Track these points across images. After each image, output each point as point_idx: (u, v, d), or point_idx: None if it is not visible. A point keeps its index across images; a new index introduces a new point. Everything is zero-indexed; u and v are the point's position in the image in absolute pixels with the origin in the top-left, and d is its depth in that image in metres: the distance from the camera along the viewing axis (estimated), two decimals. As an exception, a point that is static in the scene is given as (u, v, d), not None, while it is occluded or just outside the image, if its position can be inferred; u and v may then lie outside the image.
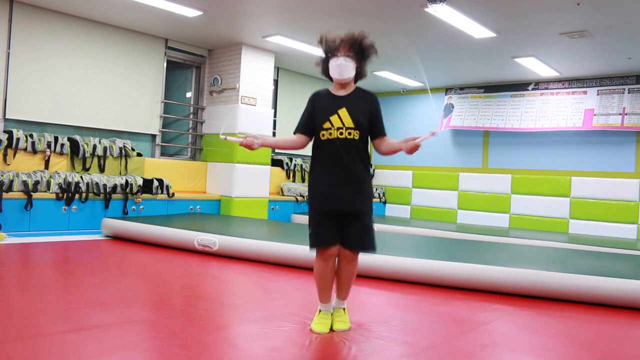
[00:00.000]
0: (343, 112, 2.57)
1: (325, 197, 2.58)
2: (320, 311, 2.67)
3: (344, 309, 2.73)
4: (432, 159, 9.40)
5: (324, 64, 2.67)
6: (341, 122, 2.56)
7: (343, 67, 2.56)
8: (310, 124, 2.66)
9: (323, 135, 2.59)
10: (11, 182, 5.35)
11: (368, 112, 2.61)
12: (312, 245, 2.60)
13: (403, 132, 9.31)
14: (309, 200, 2.69)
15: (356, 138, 2.56)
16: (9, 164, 5.68)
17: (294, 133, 2.72)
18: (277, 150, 8.67)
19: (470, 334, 2.71)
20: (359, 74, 2.66)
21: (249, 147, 2.68)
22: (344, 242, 2.58)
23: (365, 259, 3.88)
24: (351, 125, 2.55)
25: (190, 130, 7.92)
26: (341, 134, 2.55)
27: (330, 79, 2.68)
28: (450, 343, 2.55)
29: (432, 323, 2.94)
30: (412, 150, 2.51)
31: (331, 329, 2.62)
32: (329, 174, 2.58)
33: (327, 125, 2.57)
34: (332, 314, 2.68)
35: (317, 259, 2.61)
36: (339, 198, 2.55)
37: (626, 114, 7.57)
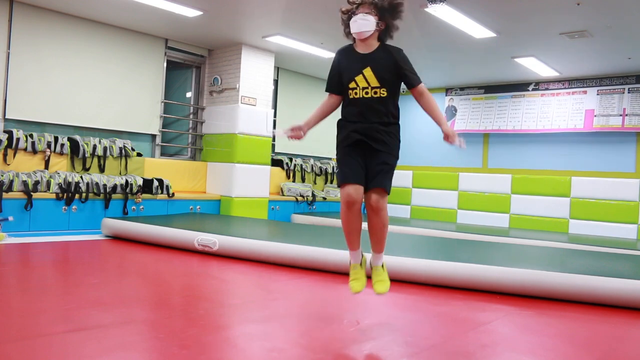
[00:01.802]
0: (367, 71, 2.60)
1: (354, 132, 2.61)
2: (351, 265, 2.71)
3: (382, 265, 2.75)
4: (432, 159, 9.40)
5: (347, 26, 2.68)
6: (366, 82, 2.59)
7: (360, 23, 2.58)
8: (339, 83, 2.69)
9: (350, 93, 2.63)
10: (11, 182, 5.35)
11: (393, 68, 2.62)
12: (338, 184, 2.65)
13: (404, 132, 9.33)
14: (337, 142, 2.70)
15: (383, 95, 2.59)
16: (9, 164, 5.68)
17: (326, 91, 2.76)
18: (277, 150, 8.68)
19: (470, 334, 2.71)
20: (385, 32, 2.66)
21: (298, 137, 2.72)
22: (368, 182, 2.59)
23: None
24: (376, 84, 2.59)
25: (190, 130, 7.92)
26: (367, 93, 2.59)
27: (354, 40, 2.70)
28: (450, 343, 2.55)
29: (432, 323, 2.94)
30: (448, 139, 2.58)
31: (375, 293, 2.67)
32: (357, 122, 2.62)
33: (352, 85, 2.62)
34: (371, 271, 2.73)
35: (342, 206, 2.62)
36: (363, 131, 2.59)
37: (627, 115, 7.57)
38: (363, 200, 2.63)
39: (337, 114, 2.83)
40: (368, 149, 2.60)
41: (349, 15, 2.66)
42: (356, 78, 2.60)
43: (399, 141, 2.70)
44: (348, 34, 2.70)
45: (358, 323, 2.77)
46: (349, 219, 2.63)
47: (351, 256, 2.74)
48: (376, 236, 2.70)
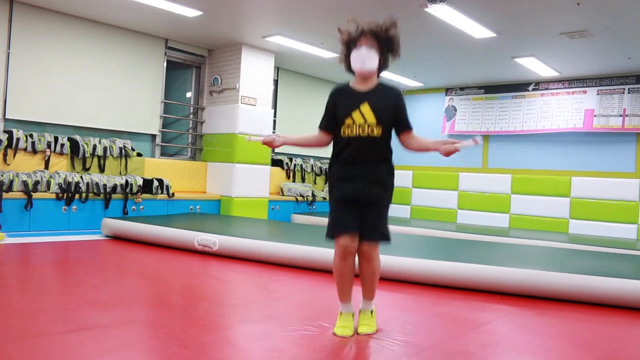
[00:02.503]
0: (365, 107, 2.49)
1: (345, 186, 2.52)
2: (341, 314, 2.61)
3: (371, 311, 2.66)
4: (432, 159, 9.39)
5: (346, 58, 2.57)
6: (363, 119, 2.48)
7: (365, 58, 2.47)
8: (333, 121, 2.59)
9: (344, 132, 2.52)
10: (11, 182, 5.35)
11: (392, 107, 2.53)
12: (329, 234, 2.55)
13: (403, 132, 9.33)
14: (329, 193, 2.63)
15: (378, 135, 2.49)
16: (9, 164, 5.67)
17: (319, 128, 2.66)
18: (277, 150, 8.67)
19: (470, 334, 2.71)
20: (382, 66, 2.57)
21: (270, 144, 2.65)
22: (362, 233, 2.52)
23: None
24: (373, 121, 2.48)
25: (190, 130, 7.92)
26: (363, 130, 2.48)
27: (353, 73, 2.60)
28: (450, 343, 2.55)
29: (432, 323, 2.94)
30: (450, 153, 2.48)
31: (356, 332, 2.58)
32: (350, 168, 2.53)
33: (348, 121, 2.50)
34: (356, 316, 2.64)
35: (336, 257, 2.55)
36: (358, 187, 2.50)
37: (627, 116, 7.57)
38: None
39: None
40: (363, 197, 2.51)
41: (348, 46, 2.55)
42: (353, 114, 2.48)
43: (393, 185, 2.62)
44: (347, 65, 2.59)
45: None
46: (344, 271, 2.56)
47: (342, 307, 2.61)
48: (367, 283, 2.63)
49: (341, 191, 2.54)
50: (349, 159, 2.53)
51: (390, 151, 2.58)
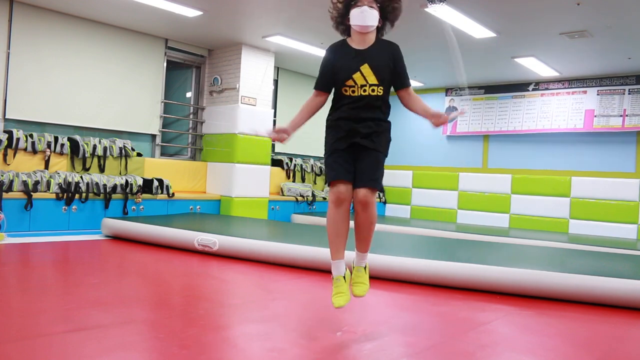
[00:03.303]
0: (365, 68, 2.49)
1: (343, 137, 2.52)
2: (334, 280, 2.55)
3: (365, 267, 2.63)
4: (432, 159, 9.40)
5: (342, 17, 2.55)
6: (364, 80, 2.49)
7: (367, 14, 2.46)
8: (331, 81, 2.58)
9: (345, 90, 2.52)
10: (11, 182, 5.35)
11: (391, 65, 2.53)
12: (327, 181, 2.56)
13: (404, 132, 9.36)
14: (326, 141, 2.61)
15: (380, 94, 2.51)
16: (9, 164, 5.68)
17: (315, 89, 2.63)
18: (277, 150, 8.68)
19: (470, 334, 2.71)
20: (380, 29, 2.58)
21: (282, 140, 2.61)
22: (357, 180, 2.50)
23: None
24: (375, 82, 2.49)
25: (190, 130, 7.92)
26: (364, 91, 2.49)
27: (347, 34, 2.59)
28: (450, 343, 2.55)
29: (432, 323, 2.94)
30: (440, 124, 2.51)
31: (352, 295, 2.57)
32: (349, 122, 2.52)
33: (350, 82, 2.50)
34: (350, 276, 2.60)
35: (330, 204, 2.53)
36: (356, 137, 2.50)
37: (627, 115, 7.57)
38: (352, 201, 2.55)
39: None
40: (358, 148, 2.52)
41: (346, 4, 2.52)
42: (354, 76, 2.48)
43: (390, 139, 2.63)
44: (340, 25, 2.57)
45: (358, 323, 2.77)
46: (337, 219, 2.52)
47: (334, 268, 2.56)
48: (363, 233, 2.58)
49: (339, 141, 2.54)
50: (348, 115, 2.53)
51: (388, 107, 2.60)
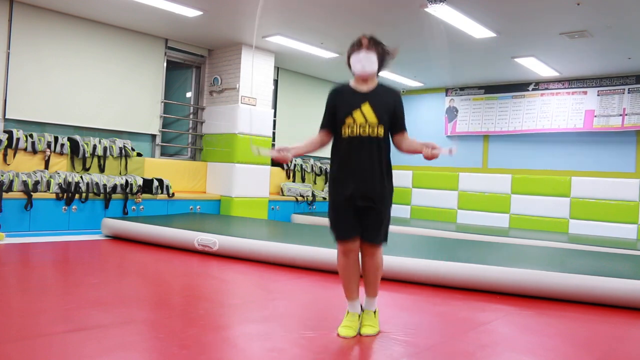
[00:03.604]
0: (366, 107, 2.53)
1: (345, 189, 2.53)
2: (348, 313, 2.64)
3: (374, 312, 2.67)
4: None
5: (349, 62, 2.63)
6: (364, 118, 2.51)
7: (365, 60, 2.52)
8: (333, 120, 2.61)
9: (345, 131, 2.54)
10: (11, 182, 5.35)
11: (392, 108, 2.57)
12: (333, 239, 2.61)
13: (403, 132, 9.34)
14: (329, 196, 2.65)
15: (380, 135, 2.52)
16: (9, 164, 5.67)
17: (320, 129, 2.68)
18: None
19: (470, 334, 2.71)
20: (380, 68, 2.62)
21: (284, 160, 2.65)
22: (363, 235, 2.57)
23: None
24: (375, 121, 2.51)
25: (190, 130, 7.92)
26: (364, 130, 2.51)
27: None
28: (450, 343, 2.55)
29: (432, 323, 2.94)
30: (431, 158, 2.53)
31: (359, 334, 2.58)
32: (350, 169, 2.53)
33: (349, 120, 2.53)
34: (360, 316, 2.64)
35: (339, 254, 2.62)
36: (358, 192, 2.51)
37: (626, 115, 7.58)
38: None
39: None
40: (363, 204, 2.54)
41: (348, 52, 2.60)
42: (354, 113, 2.51)
43: (392, 190, 2.64)
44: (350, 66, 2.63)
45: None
46: (347, 267, 2.61)
47: (350, 306, 2.65)
48: (370, 277, 2.65)
49: (341, 195, 2.56)
50: (349, 159, 2.54)
51: (389, 151, 2.61)
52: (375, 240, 2.58)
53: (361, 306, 2.68)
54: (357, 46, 2.56)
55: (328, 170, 2.77)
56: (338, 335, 2.54)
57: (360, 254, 2.64)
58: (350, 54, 2.60)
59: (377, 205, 2.53)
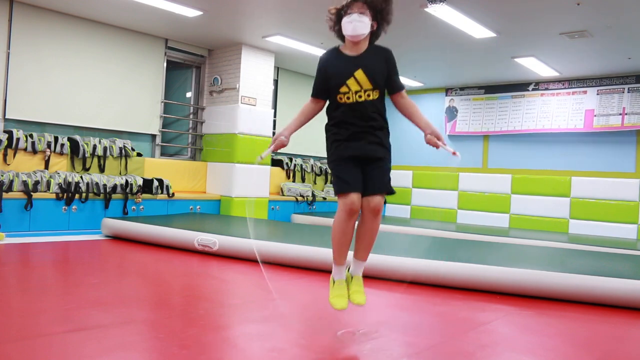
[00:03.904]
0: (359, 74, 2.50)
1: (348, 146, 2.53)
2: (334, 282, 2.59)
3: (361, 275, 2.67)
4: (432, 159, 9.40)
5: (337, 25, 2.57)
6: (359, 85, 2.49)
7: (357, 24, 2.47)
8: (325, 88, 2.59)
9: (340, 98, 2.53)
10: (11, 182, 5.35)
11: (384, 69, 2.55)
12: (337, 192, 2.55)
13: (404, 132, 9.35)
14: (330, 153, 2.62)
15: (375, 98, 2.52)
16: (9, 164, 5.68)
17: (311, 97, 2.65)
18: (277, 150, 8.66)
19: (470, 334, 2.71)
20: (375, 33, 2.58)
21: (281, 146, 2.64)
22: (366, 189, 2.52)
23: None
24: (369, 86, 2.50)
25: (190, 130, 7.92)
26: (360, 96, 2.50)
27: (344, 39, 2.59)
28: (450, 343, 2.55)
29: (432, 323, 2.94)
30: (432, 144, 2.54)
31: (350, 301, 2.58)
32: (349, 129, 2.53)
33: (344, 89, 2.51)
34: (348, 283, 2.63)
35: (341, 214, 2.53)
36: (360, 147, 2.52)
37: (626, 114, 7.58)
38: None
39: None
40: (364, 158, 2.54)
41: (338, 14, 2.54)
42: (348, 82, 2.49)
43: (390, 144, 2.65)
44: (338, 31, 2.58)
45: (358, 323, 2.77)
46: (346, 229, 2.53)
47: (336, 272, 2.61)
48: (367, 240, 2.61)
49: (344, 151, 2.54)
50: (347, 122, 2.54)
51: (384, 112, 2.61)
52: (383, 189, 2.53)
53: (349, 272, 2.67)
54: (349, 8, 2.50)
55: (325, 132, 2.80)
56: (333, 307, 2.51)
57: (362, 214, 2.58)
58: (339, 15, 2.53)
59: (377, 154, 2.53)
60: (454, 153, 2.49)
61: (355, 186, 2.50)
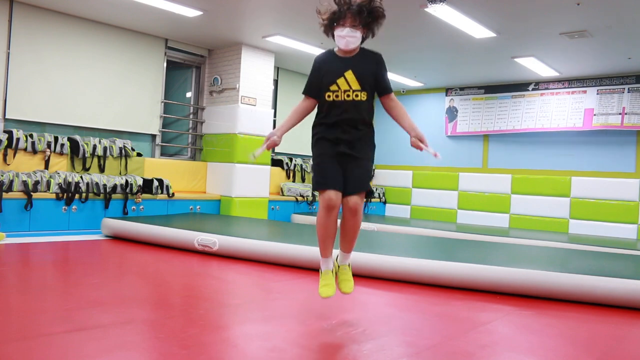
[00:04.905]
0: (349, 74, 2.60)
1: (330, 143, 2.63)
2: (322, 273, 2.72)
3: (348, 265, 2.80)
4: (432, 159, 9.40)
5: (330, 31, 2.65)
6: (348, 85, 2.59)
7: (349, 39, 2.58)
8: (318, 87, 2.68)
9: (329, 96, 2.62)
10: (11, 182, 5.35)
11: (374, 72, 2.64)
12: (316, 188, 2.65)
13: (403, 132, 9.34)
14: (313, 149, 2.71)
15: (363, 99, 2.60)
16: (9, 164, 5.68)
17: (304, 95, 2.74)
18: (277, 150, 8.67)
19: (470, 334, 2.71)
20: (365, 38, 2.67)
21: (274, 145, 2.73)
22: (346, 188, 2.61)
23: (365, 258, 3.88)
24: (358, 87, 2.59)
25: (190, 130, 7.92)
26: (348, 96, 2.59)
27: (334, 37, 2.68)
28: (450, 343, 2.55)
29: (432, 323, 2.94)
30: (417, 147, 2.64)
31: (339, 290, 2.73)
32: (334, 128, 2.63)
33: (333, 87, 2.61)
34: (336, 272, 2.76)
35: (321, 210, 2.63)
36: (342, 144, 2.61)
37: (626, 114, 7.58)
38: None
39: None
40: (345, 156, 2.62)
41: (330, 21, 2.60)
42: (338, 80, 2.60)
43: (374, 145, 2.75)
44: (332, 36, 2.65)
45: (358, 323, 2.77)
46: (327, 224, 2.64)
47: (323, 263, 2.74)
48: (349, 236, 2.73)
49: (327, 149, 2.64)
50: (333, 121, 2.63)
51: (372, 113, 2.69)
52: (361, 188, 2.62)
53: (336, 261, 2.81)
54: (342, 20, 2.55)
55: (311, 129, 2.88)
56: (321, 295, 2.65)
57: (342, 211, 2.68)
58: (331, 22, 2.58)
59: (359, 153, 2.62)
60: (435, 155, 2.60)
61: (332, 183, 2.59)
